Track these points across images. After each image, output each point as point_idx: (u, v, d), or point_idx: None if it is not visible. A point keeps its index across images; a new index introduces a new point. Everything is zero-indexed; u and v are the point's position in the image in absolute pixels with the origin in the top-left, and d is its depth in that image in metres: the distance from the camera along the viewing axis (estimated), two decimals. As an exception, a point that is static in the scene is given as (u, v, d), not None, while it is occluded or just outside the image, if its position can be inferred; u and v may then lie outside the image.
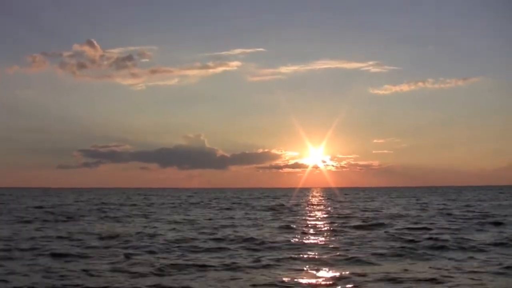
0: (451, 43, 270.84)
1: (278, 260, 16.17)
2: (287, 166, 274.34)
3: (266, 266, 15.14)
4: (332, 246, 19.54)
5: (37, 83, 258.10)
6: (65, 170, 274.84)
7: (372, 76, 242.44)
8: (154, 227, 27.35)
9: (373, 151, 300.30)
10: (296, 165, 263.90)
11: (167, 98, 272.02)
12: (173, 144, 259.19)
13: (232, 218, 34.54)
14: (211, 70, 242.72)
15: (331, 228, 26.53)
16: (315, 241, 21.48)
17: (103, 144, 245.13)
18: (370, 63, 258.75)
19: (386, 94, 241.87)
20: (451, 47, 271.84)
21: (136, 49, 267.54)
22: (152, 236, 22.82)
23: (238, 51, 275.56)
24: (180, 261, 16.00)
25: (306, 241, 21.26)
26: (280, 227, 27.04)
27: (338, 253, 17.47)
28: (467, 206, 47.68)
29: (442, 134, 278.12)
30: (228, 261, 16.03)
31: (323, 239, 22.16)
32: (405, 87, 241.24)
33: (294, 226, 27.59)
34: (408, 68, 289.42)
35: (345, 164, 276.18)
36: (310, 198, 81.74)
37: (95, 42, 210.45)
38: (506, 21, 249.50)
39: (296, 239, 21.70)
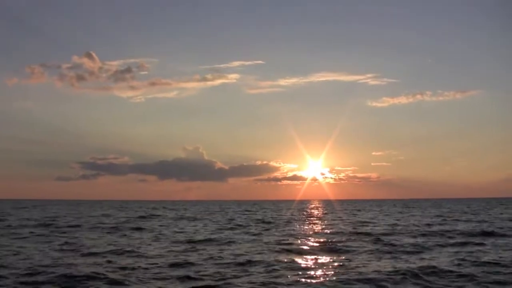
0: (449, 55, 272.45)
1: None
2: (285, 178, 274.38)
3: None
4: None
5: (36, 95, 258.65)
6: (64, 182, 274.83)
7: (371, 89, 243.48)
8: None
9: (372, 164, 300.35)
10: (294, 177, 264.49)
11: (166, 110, 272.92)
12: (172, 156, 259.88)
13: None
14: (209, 83, 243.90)
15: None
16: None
17: (101, 156, 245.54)
18: (369, 75, 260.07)
19: (384, 106, 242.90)
20: (449, 60, 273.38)
21: (135, 61, 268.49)
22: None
23: (236, 63, 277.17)
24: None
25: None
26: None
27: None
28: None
29: (440, 147, 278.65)
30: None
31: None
32: (403, 100, 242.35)
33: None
34: (406, 81, 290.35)
35: (343, 176, 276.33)
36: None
37: (94, 54, 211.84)
38: (505, 34, 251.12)
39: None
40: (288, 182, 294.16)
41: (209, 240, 26.71)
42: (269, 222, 43.17)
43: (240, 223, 41.89)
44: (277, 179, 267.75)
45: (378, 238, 26.47)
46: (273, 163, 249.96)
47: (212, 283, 14.52)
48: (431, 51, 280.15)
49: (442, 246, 23.20)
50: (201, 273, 16.10)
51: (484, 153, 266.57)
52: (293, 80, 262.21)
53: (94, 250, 22.14)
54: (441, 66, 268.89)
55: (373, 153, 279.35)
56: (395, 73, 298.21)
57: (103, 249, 22.50)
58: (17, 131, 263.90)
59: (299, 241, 25.83)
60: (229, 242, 25.60)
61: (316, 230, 33.85)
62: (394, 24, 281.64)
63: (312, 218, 51.67)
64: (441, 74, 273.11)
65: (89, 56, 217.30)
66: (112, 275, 15.44)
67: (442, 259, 18.88)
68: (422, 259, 18.98)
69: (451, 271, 16.00)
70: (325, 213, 65.58)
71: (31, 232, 31.67)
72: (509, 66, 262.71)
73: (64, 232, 32.06)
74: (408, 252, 21.04)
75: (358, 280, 14.56)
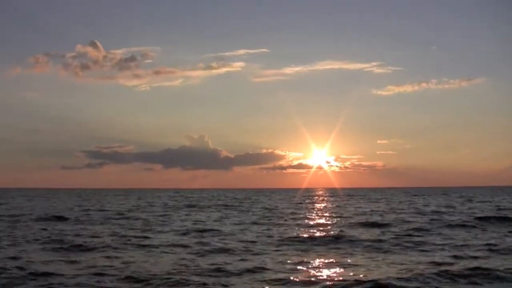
0: (454, 43, 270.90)
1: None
2: (291, 166, 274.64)
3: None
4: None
5: (40, 84, 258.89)
6: (69, 171, 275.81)
7: (376, 77, 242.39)
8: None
9: (377, 152, 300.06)
10: (300, 166, 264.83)
11: (171, 99, 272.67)
12: (177, 145, 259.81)
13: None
14: (214, 71, 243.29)
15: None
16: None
17: (106, 145, 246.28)
18: (373, 63, 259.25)
19: (389, 95, 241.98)
20: (454, 48, 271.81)
21: (139, 50, 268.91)
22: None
23: (241, 51, 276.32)
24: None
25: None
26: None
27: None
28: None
29: (445, 135, 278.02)
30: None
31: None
32: (408, 88, 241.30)
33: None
34: (411, 69, 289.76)
35: (349, 164, 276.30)
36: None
37: (98, 43, 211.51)
38: (510, 22, 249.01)
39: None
40: (294, 170, 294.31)
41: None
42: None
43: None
44: (282, 168, 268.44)
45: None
46: (278, 152, 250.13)
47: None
48: (436, 39, 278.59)
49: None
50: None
51: (489, 141, 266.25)
52: (298, 69, 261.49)
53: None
54: (446, 54, 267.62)
55: (378, 142, 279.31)
56: (400, 61, 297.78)
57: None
58: (21, 121, 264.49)
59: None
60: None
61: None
62: (399, 12, 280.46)
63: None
64: (446, 62, 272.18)
65: (93, 45, 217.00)
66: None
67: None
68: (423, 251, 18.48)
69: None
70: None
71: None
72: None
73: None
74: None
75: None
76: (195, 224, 31.57)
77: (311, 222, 32.72)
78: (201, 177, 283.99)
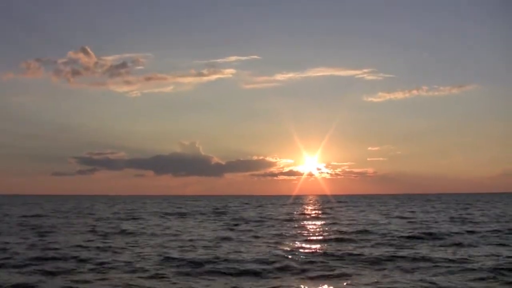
0: (445, 50, 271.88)
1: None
2: (282, 173, 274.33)
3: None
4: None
5: (32, 90, 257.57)
6: (60, 177, 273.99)
7: (367, 84, 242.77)
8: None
9: (368, 159, 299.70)
10: (291, 173, 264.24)
11: (162, 105, 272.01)
12: (168, 151, 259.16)
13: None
14: (205, 78, 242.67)
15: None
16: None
17: (98, 151, 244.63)
18: (365, 70, 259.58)
19: (380, 101, 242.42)
20: (445, 55, 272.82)
21: (130, 56, 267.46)
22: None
23: (233, 58, 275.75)
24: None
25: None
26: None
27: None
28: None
29: (436, 142, 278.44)
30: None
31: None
32: (399, 95, 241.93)
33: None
34: (403, 76, 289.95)
35: (340, 171, 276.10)
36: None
37: (89, 50, 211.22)
38: (501, 28, 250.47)
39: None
40: (285, 177, 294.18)
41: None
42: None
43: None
44: (273, 174, 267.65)
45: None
46: (269, 158, 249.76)
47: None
48: (427, 46, 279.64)
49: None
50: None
51: (480, 148, 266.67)
52: (290, 75, 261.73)
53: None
54: (437, 61, 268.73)
55: (369, 148, 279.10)
56: (392, 68, 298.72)
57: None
58: (12, 126, 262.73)
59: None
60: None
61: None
62: (390, 19, 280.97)
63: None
64: (437, 69, 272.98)
65: (84, 51, 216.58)
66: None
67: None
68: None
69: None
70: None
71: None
72: (505, 61, 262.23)
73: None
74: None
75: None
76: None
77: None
78: (192, 183, 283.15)
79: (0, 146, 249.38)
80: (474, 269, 15.26)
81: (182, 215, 48.59)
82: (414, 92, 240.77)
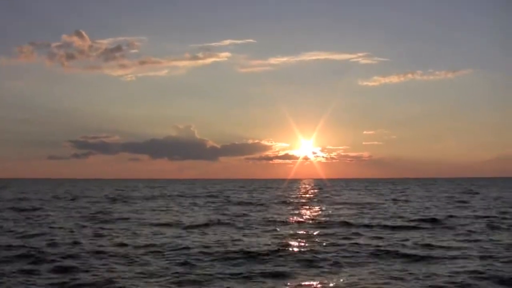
0: (440, 35, 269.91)
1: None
2: (277, 157, 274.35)
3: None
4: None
5: (26, 74, 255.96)
6: (56, 161, 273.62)
7: (362, 68, 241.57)
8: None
9: (363, 143, 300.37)
10: (286, 156, 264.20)
11: (157, 89, 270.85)
12: (163, 135, 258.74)
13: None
14: (200, 61, 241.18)
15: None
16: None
17: (92, 135, 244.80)
18: (360, 54, 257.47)
19: (375, 85, 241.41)
20: (440, 39, 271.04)
21: (125, 39, 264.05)
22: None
23: (227, 42, 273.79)
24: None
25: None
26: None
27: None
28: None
29: (431, 126, 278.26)
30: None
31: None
32: (394, 79, 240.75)
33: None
34: (398, 60, 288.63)
35: (335, 155, 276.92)
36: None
37: (83, 33, 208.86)
38: (496, 14, 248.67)
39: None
40: (280, 161, 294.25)
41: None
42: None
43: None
44: (268, 158, 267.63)
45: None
46: (264, 142, 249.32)
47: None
48: (422, 31, 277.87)
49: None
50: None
51: (474, 133, 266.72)
52: (284, 59, 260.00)
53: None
54: (432, 46, 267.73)
55: (365, 132, 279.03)
56: (386, 52, 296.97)
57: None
58: (7, 111, 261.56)
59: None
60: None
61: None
62: (385, 3, 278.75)
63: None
64: (432, 54, 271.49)
65: (78, 34, 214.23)
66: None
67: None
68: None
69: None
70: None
71: None
72: (500, 46, 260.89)
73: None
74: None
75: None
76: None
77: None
78: (187, 167, 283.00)
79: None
80: None
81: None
82: (409, 76, 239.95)
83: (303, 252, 16.40)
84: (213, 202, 44.51)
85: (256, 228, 23.34)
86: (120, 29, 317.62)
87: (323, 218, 28.00)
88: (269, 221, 26.77)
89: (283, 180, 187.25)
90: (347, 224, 24.81)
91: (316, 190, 78.91)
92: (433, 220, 25.88)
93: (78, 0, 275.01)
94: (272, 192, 70.07)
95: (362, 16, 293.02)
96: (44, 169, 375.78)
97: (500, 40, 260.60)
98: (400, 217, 28.57)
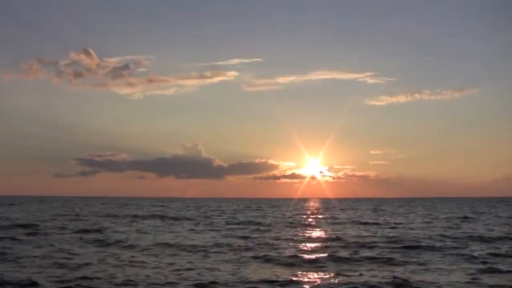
0: (447, 54, 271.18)
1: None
2: (284, 176, 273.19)
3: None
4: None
5: (33, 91, 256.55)
6: (62, 178, 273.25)
7: (369, 87, 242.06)
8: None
9: (370, 162, 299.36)
10: (293, 176, 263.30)
11: (164, 107, 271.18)
12: (170, 153, 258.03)
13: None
14: (208, 80, 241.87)
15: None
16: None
17: (99, 153, 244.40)
18: (367, 74, 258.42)
19: (382, 105, 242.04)
20: (447, 59, 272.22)
21: (132, 58, 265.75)
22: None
23: (235, 61, 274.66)
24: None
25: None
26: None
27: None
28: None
29: (438, 146, 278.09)
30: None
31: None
32: (401, 98, 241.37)
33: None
34: (405, 79, 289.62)
35: (342, 174, 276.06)
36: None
37: (91, 51, 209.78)
38: (503, 32, 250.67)
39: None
40: (287, 180, 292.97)
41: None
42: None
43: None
44: (275, 177, 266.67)
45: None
46: (271, 161, 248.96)
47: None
48: (429, 50, 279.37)
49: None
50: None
51: (482, 152, 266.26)
52: (292, 78, 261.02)
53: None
54: (440, 65, 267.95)
55: (372, 152, 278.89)
56: (394, 72, 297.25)
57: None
58: (13, 127, 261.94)
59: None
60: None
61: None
62: (392, 22, 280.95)
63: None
64: (440, 73, 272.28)
65: (86, 52, 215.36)
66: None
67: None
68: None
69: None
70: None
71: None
72: (507, 65, 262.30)
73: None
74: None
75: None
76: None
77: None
78: (194, 186, 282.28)
79: (0, 146, 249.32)
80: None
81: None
82: (416, 95, 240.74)
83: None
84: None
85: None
86: (127, 47, 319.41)
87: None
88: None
89: (290, 199, 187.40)
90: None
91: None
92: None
93: (86, 18, 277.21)
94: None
95: (369, 35, 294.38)
96: (50, 186, 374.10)
97: (508, 58, 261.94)
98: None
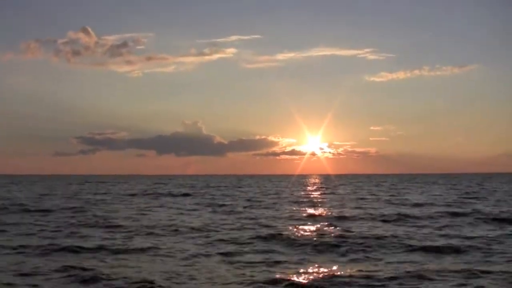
0: (447, 30, 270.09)
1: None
2: (284, 153, 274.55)
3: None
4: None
5: (32, 70, 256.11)
6: (62, 157, 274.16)
7: (369, 63, 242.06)
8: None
9: (370, 138, 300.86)
10: (293, 152, 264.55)
11: (164, 85, 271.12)
12: (170, 131, 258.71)
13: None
14: (207, 57, 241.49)
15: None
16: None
17: (99, 132, 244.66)
18: (367, 50, 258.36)
19: (382, 81, 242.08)
20: (447, 35, 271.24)
21: (131, 36, 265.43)
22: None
23: (234, 38, 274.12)
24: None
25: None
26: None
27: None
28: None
29: (438, 122, 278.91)
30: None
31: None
32: (401, 75, 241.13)
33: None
34: (405, 56, 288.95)
35: (342, 151, 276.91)
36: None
37: (89, 29, 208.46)
38: (503, 9, 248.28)
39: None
40: (287, 156, 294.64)
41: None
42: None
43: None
44: (275, 154, 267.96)
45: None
46: (271, 138, 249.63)
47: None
48: (429, 26, 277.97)
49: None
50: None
51: (481, 128, 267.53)
52: (291, 55, 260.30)
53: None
54: (439, 41, 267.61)
55: (372, 128, 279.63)
56: (393, 48, 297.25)
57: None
58: (13, 107, 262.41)
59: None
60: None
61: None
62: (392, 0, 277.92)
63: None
64: (439, 49, 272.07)
65: (84, 31, 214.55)
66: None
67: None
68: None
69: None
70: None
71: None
72: (506, 41, 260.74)
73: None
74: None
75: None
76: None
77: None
78: (194, 163, 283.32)
79: (1, 126, 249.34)
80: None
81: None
82: (416, 72, 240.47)
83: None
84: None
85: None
86: (126, 25, 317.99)
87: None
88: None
89: (290, 176, 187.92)
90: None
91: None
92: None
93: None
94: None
95: (369, 12, 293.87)
96: (50, 165, 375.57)
97: (507, 35, 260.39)
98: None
